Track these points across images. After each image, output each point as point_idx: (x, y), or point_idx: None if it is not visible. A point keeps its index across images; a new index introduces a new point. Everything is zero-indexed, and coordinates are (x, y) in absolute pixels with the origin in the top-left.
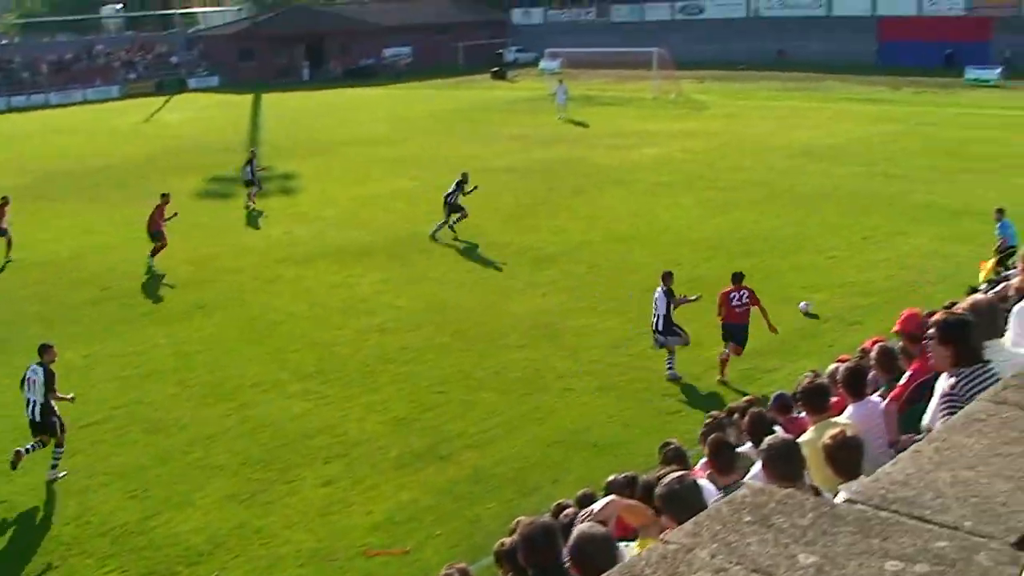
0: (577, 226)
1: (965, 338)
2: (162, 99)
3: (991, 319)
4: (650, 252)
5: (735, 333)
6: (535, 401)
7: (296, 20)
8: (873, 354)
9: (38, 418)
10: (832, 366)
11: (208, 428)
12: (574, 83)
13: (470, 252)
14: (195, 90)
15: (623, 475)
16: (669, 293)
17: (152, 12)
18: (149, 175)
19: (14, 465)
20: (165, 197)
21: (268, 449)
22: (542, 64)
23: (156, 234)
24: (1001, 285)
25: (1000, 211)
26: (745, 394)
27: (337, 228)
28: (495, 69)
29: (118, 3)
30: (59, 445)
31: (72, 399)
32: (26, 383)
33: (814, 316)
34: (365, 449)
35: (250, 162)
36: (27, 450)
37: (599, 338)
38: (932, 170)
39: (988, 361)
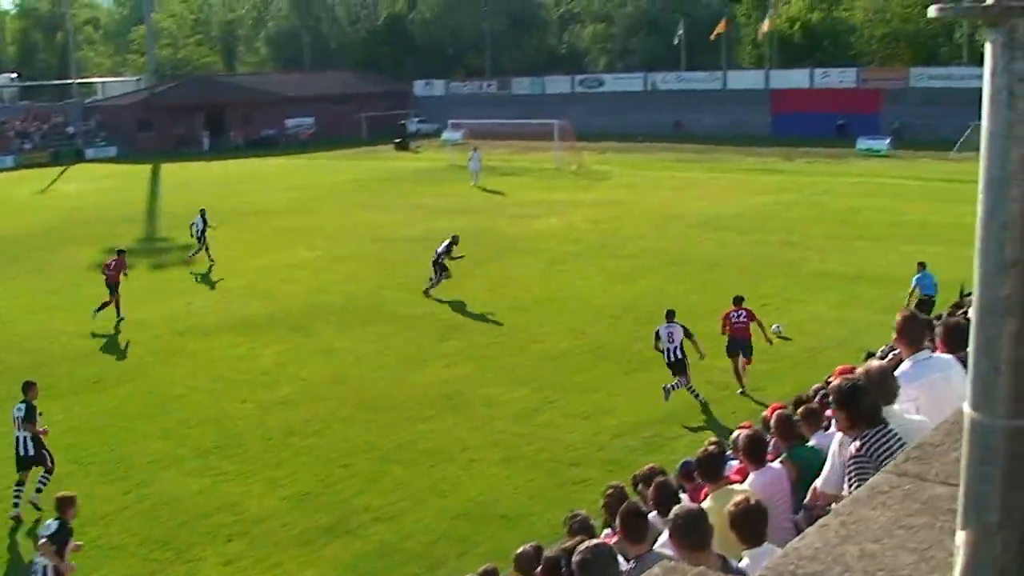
0: (482, 296)
1: (857, 402)
2: (58, 170)
3: (883, 385)
4: (555, 320)
5: (740, 346)
6: (441, 473)
7: (196, 90)
8: (772, 421)
9: (32, 452)
10: (735, 433)
11: (105, 507)
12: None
13: (375, 322)
14: (92, 160)
15: (531, 546)
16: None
17: (48, 82)
18: (45, 247)
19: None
20: (122, 253)
21: (167, 528)
22: (444, 135)
23: (113, 287)
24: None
25: (921, 264)
26: (763, 405)
27: (240, 299)
28: (398, 140)
29: (12, 72)
30: (49, 472)
31: (45, 432)
32: (15, 421)
33: (786, 338)
34: (268, 526)
35: (202, 218)
36: (39, 490)
37: (505, 408)
38: (827, 238)
39: (886, 424)
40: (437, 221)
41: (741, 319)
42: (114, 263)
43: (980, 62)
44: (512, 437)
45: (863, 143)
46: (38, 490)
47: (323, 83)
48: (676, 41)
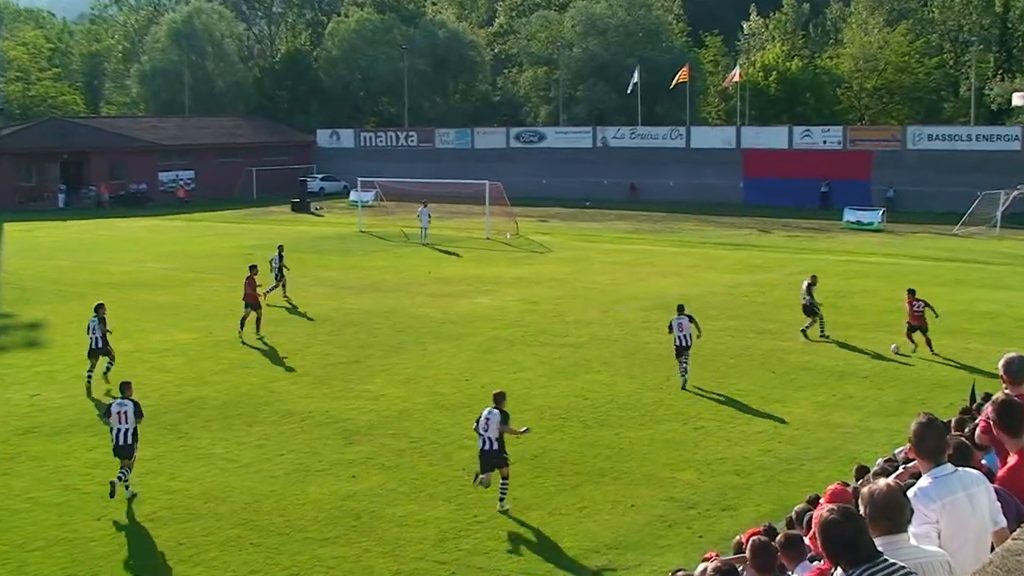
0: (396, 391)
1: (842, 539)
2: None
3: (891, 511)
4: None
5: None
6: None
7: (51, 134)
8: (747, 551)
9: (130, 441)
10: (701, 566)
11: None
12: (391, 219)
13: (264, 421)
14: None
15: None
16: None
17: None
18: None
19: (112, 494)
20: (253, 269)
21: None
22: (353, 196)
23: (253, 304)
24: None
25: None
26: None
27: (98, 391)
28: (296, 200)
29: None
30: (127, 468)
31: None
32: (116, 415)
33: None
34: None
35: (279, 254)
36: (120, 478)
37: (423, 530)
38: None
39: (880, 558)
40: (344, 300)
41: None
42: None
43: (990, 120)
44: (432, 566)
45: (851, 215)
46: (120, 478)
47: (206, 131)
48: (630, 89)
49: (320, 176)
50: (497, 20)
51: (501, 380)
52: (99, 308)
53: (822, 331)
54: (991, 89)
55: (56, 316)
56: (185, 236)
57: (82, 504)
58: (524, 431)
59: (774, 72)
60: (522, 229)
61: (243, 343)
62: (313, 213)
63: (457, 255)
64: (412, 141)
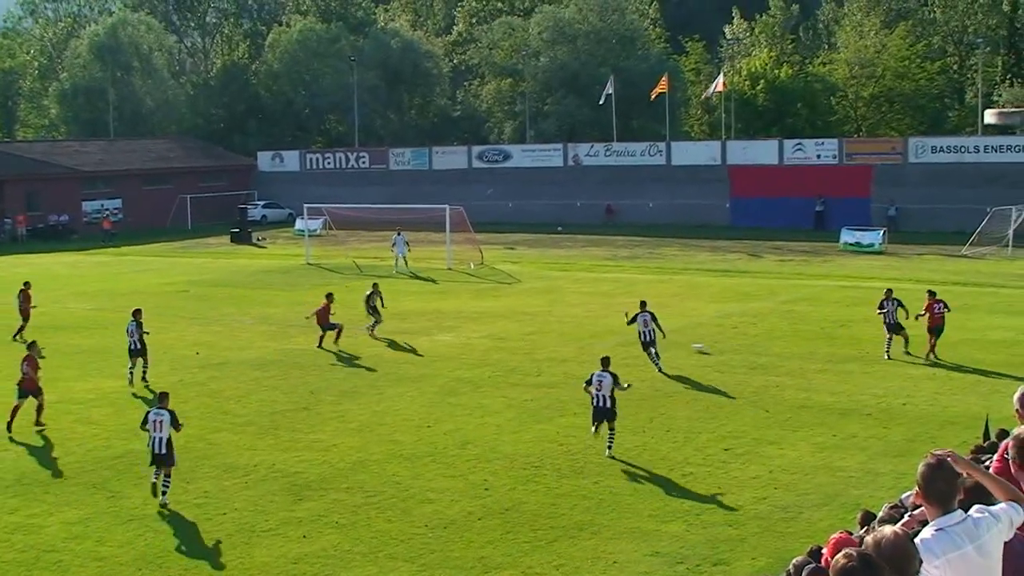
0: (349, 440)
1: None
2: None
3: (899, 561)
4: (448, 472)
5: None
6: None
7: None
8: None
9: (165, 451)
10: None
11: None
12: (341, 248)
13: (202, 477)
14: None
15: None
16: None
17: None
18: None
19: (154, 493)
20: (330, 297)
21: None
22: (299, 224)
23: (329, 326)
24: (907, 516)
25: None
26: None
27: (15, 447)
28: (236, 230)
29: None
30: (168, 476)
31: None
32: (153, 423)
33: (707, 353)
34: None
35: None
36: (163, 492)
37: None
38: (806, 359)
39: None
40: (291, 340)
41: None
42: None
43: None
44: None
45: (849, 236)
46: (164, 492)
47: (134, 155)
48: (602, 100)
49: (262, 203)
50: (456, 28)
51: (466, 425)
52: (136, 313)
53: (905, 347)
54: (1000, 95)
55: None
56: (111, 272)
57: None
58: (628, 387)
59: (762, 80)
60: (487, 258)
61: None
62: (255, 244)
63: (433, 281)
64: (364, 162)
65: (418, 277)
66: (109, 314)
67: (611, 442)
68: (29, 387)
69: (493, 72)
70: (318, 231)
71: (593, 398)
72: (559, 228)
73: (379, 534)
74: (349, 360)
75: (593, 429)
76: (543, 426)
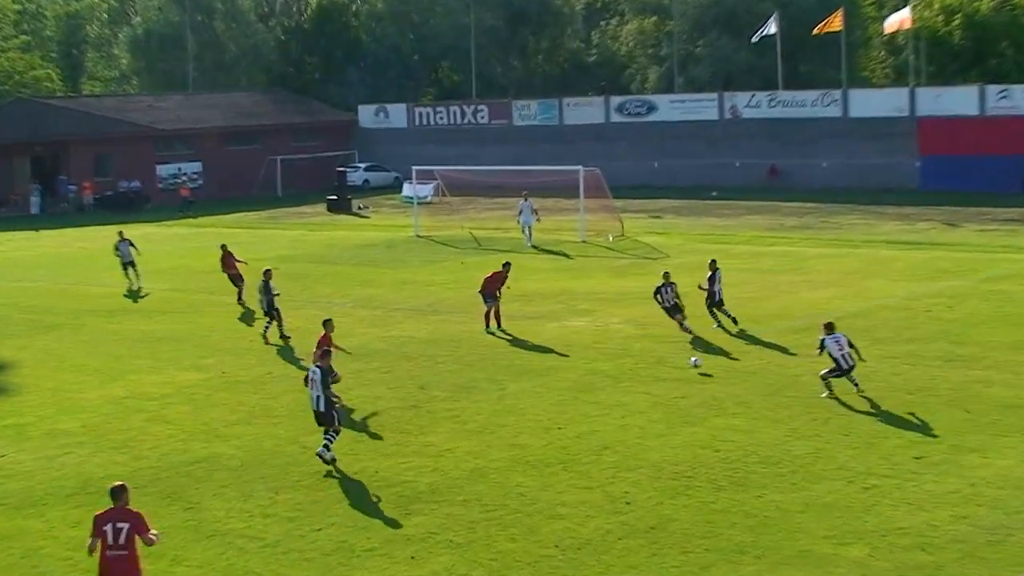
0: (466, 445)
1: None
2: None
3: None
4: (582, 484)
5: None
6: None
7: (19, 121)
8: None
9: (323, 408)
10: None
11: None
12: (456, 219)
13: (294, 488)
14: None
15: None
16: None
17: None
18: None
19: (331, 461)
20: (507, 266)
21: None
22: (407, 190)
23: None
24: None
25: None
26: None
27: (78, 450)
28: (333, 197)
29: None
30: (336, 432)
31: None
32: (309, 381)
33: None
34: None
35: (265, 284)
36: (326, 447)
37: None
38: (1016, 349)
39: None
40: (398, 326)
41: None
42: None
43: None
44: None
45: None
46: (326, 446)
47: (216, 110)
48: (756, 38)
49: (363, 165)
50: None
51: (603, 427)
52: (267, 273)
53: None
54: None
55: (27, 354)
56: (190, 247)
57: None
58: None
59: (958, 15)
60: (629, 229)
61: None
62: (355, 213)
63: (565, 256)
64: (482, 117)
65: (546, 251)
66: (187, 295)
67: (855, 381)
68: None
69: (634, 9)
70: (429, 198)
71: (837, 360)
72: (713, 193)
73: (500, 555)
74: (464, 351)
75: (856, 386)
76: (695, 429)
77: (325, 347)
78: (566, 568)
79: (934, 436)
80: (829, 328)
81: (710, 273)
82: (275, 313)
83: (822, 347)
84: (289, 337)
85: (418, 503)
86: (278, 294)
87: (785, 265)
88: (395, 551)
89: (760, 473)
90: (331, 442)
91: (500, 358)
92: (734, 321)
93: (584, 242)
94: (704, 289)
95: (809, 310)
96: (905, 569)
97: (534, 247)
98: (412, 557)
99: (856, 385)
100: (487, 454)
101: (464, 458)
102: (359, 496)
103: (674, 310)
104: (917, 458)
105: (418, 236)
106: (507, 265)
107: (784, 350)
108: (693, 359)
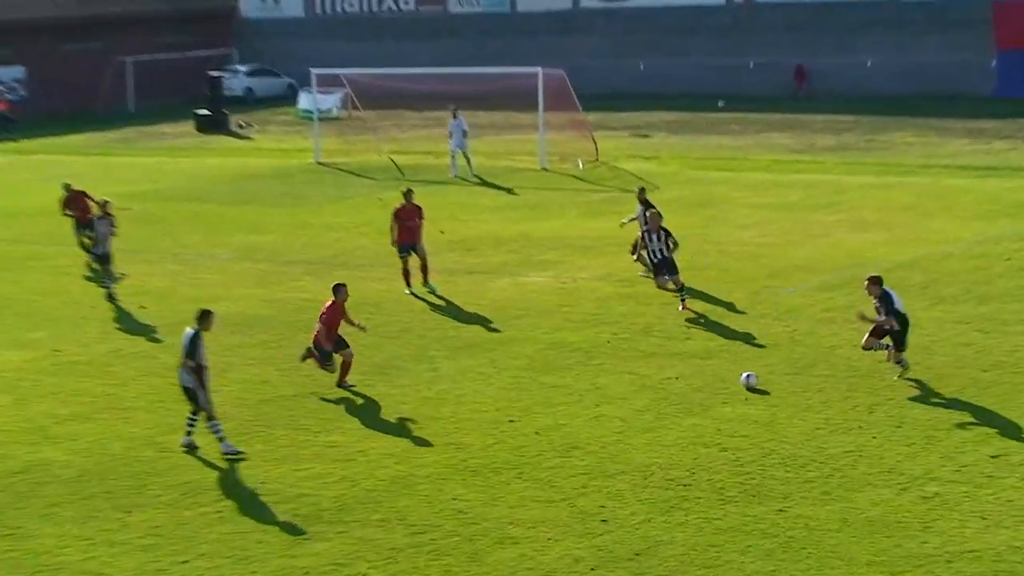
0: (385, 445)
1: None
2: None
3: None
4: (543, 496)
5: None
6: None
7: None
8: None
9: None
10: None
11: None
12: (369, 139)
13: (151, 506)
14: None
15: None
16: None
17: None
18: None
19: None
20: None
21: None
22: (304, 102)
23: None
24: None
25: None
26: None
27: None
28: (205, 112)
29: None
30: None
31: None
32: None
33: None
34: None
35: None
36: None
37: None
38: None
39: None
40: (289, 282)
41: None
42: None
43: None
44: None
45: None
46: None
47: None
48: None
49: (246, 69)
50: None
51: (572, 419)
52: (104, 205)
53: None
54: None
55: None
56: (9, 181)
57: None
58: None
59: None
60: (605, 152)
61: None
62: (235, 133)
63: (510, 192)
64: (407, 2)
65: (493, 185)
66: (5, 247)
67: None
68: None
69: None
70: (334, 112)
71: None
72: (720, 103)
73: None
74: (384, 318)
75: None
76: (695, 420)
77: (330, 322)
78: None
79: (1017, 428)
80: (876, 283)
81: (641, 209)
82: (106, 258)
83: (887, 303)
84: (114, 294)
85: (320, 524)
86: (114, 233)
87: (816, 200)
88: None
89: (782, 479)
90: (191, 427)
91: (432, 328)
92: (657, 273)
93: (545, 170)
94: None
95: (848, 260)
96: None
97: (478, 178)
98: None
99: (902, 365)
100: (414, 458)
101: (382, 463)
102: (237, 517)
103: (662, 266)
104: (993, 457)
105: (319, 163)
106: (409, 193)
107: (815, 314)
108: (747, 376)
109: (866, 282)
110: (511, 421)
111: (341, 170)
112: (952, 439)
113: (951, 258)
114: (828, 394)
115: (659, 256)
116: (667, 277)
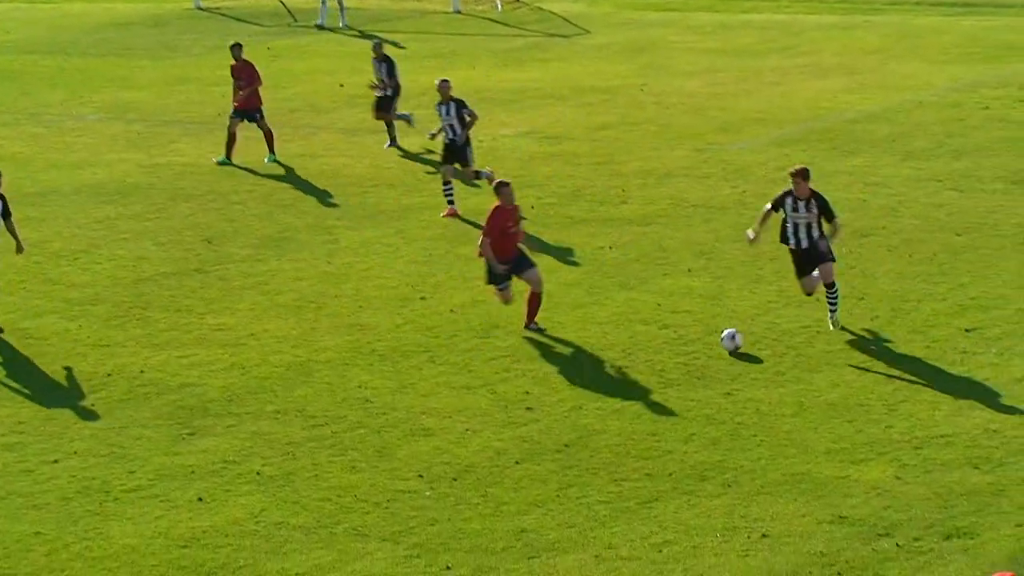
0: (280, 326)
1: None
2: None
3: None
4: (459, 382)
5: None
6: None
7: None
8: None
9: None
10: None
11: None
12: None
13: (14, 403)
14: None
15: None
16: None
17: None
18: None
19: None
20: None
21: None
22: None
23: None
24: None
25: None
26: None
27: None
28: None
29: None
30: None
31: None
32: None
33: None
34: None
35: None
36: None
37: None
38: None
39: None
40: (167, 147)
41: None
42: None
43: None
44: None
45: None
46: None
47: None
48: None
49: None
50: None
51: (490, 297)
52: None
53: None
54: None
55: None
56: None
57: None
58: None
59: None
60: None
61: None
62: None
63: (399, 46)
64: None
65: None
66: None
67: (833, 306)
68: None
69: None
70: None
71: (787, 235)
72: None
73: (335, 493)
74: (275, 184)
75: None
76: (631, 294)
77: (497, 229)
78: (435, 508)
79: (994, 298)
80: (804, 177)
81: (379, 65)
82: None
83: (825, 207)
84: None
85: (206, 418)
86: None
87: (770, 43)
88: (172, 491)
89: (729, 359)
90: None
91: (333, 193)
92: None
93: (459, 12)
94: (379, 88)
95: (806, 111)
96: (950, 495)
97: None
98: (199, 499)
99: (832, 309)
100: (312, 341)
101: (276, 348)
102: (114, 410)
103: (453, 151)
104: (968, 331)
105: (199, 8)
106: (236, 48)
107: (766, 174)
108: (730, 334)
109: (791, 174)
110: (422, 298)
111: (224, 15)
112: (921, 312)
113: (922, 107)
114: (782, 263)
115: (450, 136)
116: (455, 167)
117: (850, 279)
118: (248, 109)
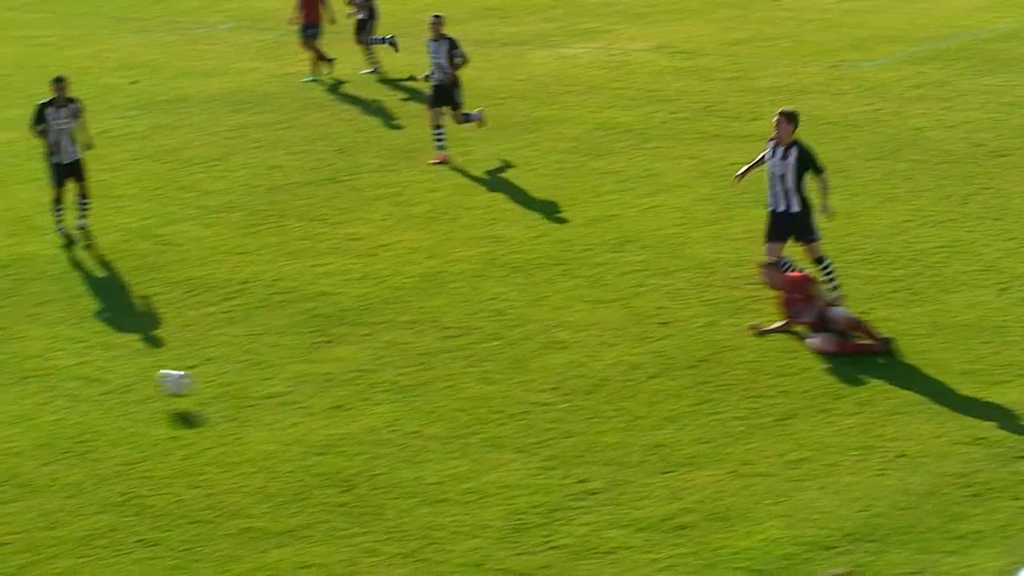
0: (414, 237)
1: None
2: None
3: None
4: (592, 296)
5: None
6: None
7: None
8: None
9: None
10: None
11: None
12: None
13: (149, 304)
14: None
15: None
16: None
17: None
18: None
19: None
20: None
21: None
22: None
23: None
24: None
25: None
26: None
27: None
28: None
29: None
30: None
31: None
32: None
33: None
34: None
35: None
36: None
37: (485, 512)
38: None
39: None
40: (293, 56)
41: None
42: None
43: None
44: None
45: None
46: None
47: None
48: None
49: None
50: None
51: (624, 210)
52: None
53: None
54: None
55: None
56: None
57: None
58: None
59: None
60: None
61: None
62: None
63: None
64: None
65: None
66: None
67: (831, 278)
68: None
69: None
70: None
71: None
72: None
73: (469, 404)
74: (405, 91)
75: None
76: (764, 212)
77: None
78: (570, 421)
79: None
80: (791, 120)
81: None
82: None
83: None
84: None
85: (341, 326)
86: None
87: None
88: (309, 398)
89: (864, 278)
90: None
91: (462, 105)
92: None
93: None
94: (354, 10)
95: (943, 28)
96: None
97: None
98: (337, 407)
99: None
100: (446, 252)
101: (410, 259)
102: (248, 317)
103: (440, 93)
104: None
105: None
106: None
107: (902, 91)
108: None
109: (775, 118)
110: (556, 213)
111: None
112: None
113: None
114: (917, 182)
115: (436, 77)
116: (441, 109)
117: (985, 199)
118: (310, 24)
